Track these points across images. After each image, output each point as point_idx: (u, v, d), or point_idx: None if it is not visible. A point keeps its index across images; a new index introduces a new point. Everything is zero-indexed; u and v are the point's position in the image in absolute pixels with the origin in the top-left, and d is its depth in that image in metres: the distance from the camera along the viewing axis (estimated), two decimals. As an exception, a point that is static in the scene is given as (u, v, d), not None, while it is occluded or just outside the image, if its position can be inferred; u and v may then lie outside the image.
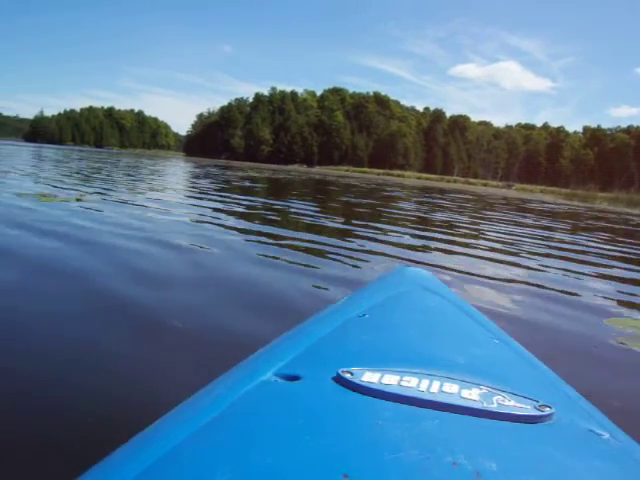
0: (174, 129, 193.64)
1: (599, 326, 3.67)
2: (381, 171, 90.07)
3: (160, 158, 69.00)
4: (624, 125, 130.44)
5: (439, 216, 12.59)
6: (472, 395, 0.76)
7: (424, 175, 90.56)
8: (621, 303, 4.61)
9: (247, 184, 20.31)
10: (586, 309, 4.16)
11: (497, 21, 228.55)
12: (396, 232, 8.05)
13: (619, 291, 5.17)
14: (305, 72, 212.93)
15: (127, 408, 1.90)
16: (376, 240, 6.89)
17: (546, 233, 10.21)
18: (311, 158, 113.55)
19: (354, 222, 8.95)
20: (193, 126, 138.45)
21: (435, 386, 0.77)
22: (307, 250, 5.64)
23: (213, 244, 5.47)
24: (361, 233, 7.37)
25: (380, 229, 8.22)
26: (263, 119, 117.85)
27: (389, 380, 0.78)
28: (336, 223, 8.86)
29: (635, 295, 5.01)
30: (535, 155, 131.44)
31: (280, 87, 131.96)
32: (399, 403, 0.73)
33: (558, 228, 12.15)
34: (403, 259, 5.58)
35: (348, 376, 0.79)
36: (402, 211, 13.15)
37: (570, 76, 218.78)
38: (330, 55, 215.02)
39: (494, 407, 0.74)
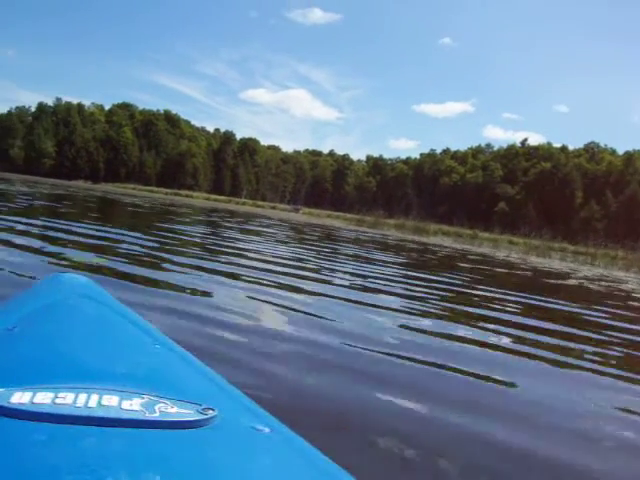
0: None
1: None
2: (169, 190, 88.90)
3: None
4: (403, 156, 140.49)
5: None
6: (133, 405, 0.73)
7: (213, 196, 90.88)
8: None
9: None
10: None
11: (289, 49, 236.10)
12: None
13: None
14: (93, 85, 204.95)
15: None
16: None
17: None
18: (97, 174, 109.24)
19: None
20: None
21: (93, 400, 0.72)
22: None
23: None
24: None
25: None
26: (46, 131, 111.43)
27: (42, 399, 0.71)
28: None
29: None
30: (321, 180, 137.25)
31: (66, 98, 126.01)
32: (53, 423, 0.67)
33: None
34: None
35: None
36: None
37: (356, 108, 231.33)
38: (121, 70, 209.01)
39: (156, 416, 0.72)
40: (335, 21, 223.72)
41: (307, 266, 8.70)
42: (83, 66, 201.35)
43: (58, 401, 0.71)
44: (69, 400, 0.72)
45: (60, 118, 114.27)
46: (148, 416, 0.71)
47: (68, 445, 0.63)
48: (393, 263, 12.01)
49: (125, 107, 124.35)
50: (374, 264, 10.86)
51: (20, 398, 0.71)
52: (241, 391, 0.98)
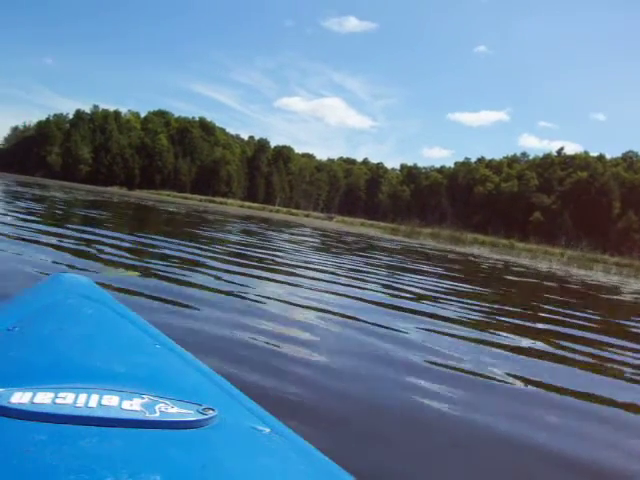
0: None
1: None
2: (204, 197, 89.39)
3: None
4: (437, 165, 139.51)
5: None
6: (134, 406, 0.73)
7: (246, 203, 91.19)
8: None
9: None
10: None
11: (324, 58, 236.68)
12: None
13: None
14: (130, 93, 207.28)
15: None
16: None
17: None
18: (132, 181, 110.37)
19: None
20: (6, 139, 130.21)
21: (94, 400, 0.72)
22: None
23: None
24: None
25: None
26: (83, 137, 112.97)
27: (42, 399, 0.71)
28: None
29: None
30: (355, 189, 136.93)
31: (103, 106, 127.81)
32: (54, 423, 0.67)
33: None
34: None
35: None
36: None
37: (390, 116, 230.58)
38: (157, 78, 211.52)
39: (157, 416, 0.72)
40: (371, 30, 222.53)
41: (367, 278, 8.42)
42: (120, 74, 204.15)
43: (58, 401, 0.71)
44: (69, 400, 0.72)
45: (97, 125, 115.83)
46: (148, 416, 0.71)
47: (68, 445, 0.63)
48: (445, 276, 11.69)
49: (161, 114, 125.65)
50: (428, 276, 10.56)
51: (20, 398, 0.70)
52: (241, 391, 0.98)
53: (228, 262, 8.10)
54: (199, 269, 6.73)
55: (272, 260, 9.35)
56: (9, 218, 9.85)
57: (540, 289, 12.28)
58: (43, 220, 10.95)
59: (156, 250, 8.22)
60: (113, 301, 1.29)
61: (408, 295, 7.18)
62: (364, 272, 9.46)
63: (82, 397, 0.73)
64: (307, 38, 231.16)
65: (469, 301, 7.46)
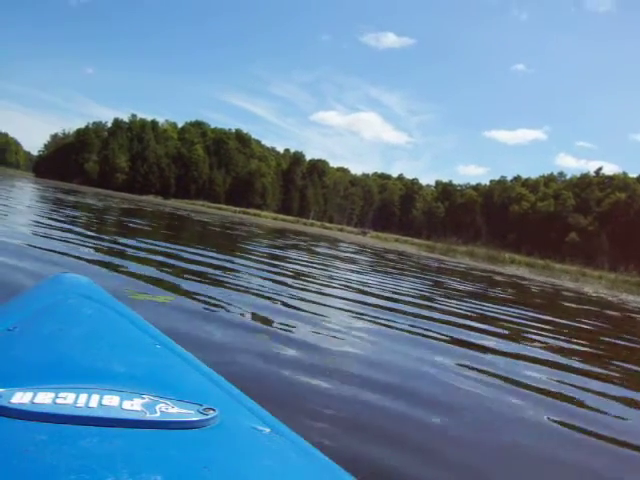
0: (26, 148, 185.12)
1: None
2: (238, 209, 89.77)
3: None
4: (472, 182, 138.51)
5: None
6: (134, 406, 0.73)
7: (280, 216, 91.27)
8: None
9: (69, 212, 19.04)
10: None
11: (361, 73, 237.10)
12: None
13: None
14: (168, 103, 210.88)
15: None
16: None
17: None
18: (167, 190, 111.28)
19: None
20: (46, 146, 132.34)
21: (94, 400, 0.72)
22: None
23: None
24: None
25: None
26: (120, 146, 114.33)
27: (43, 399, 0.71)
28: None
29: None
30: (389, 204, 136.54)
31: (141, 115, 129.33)
32: (54, 423, 0.67)
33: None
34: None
35: None
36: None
37: (425, 132, 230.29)
38: (195, 89, 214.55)
39: (157, 416, 0.72)
40: (409, 45, 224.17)
41: (434, 306, 7.94)
42: (158, 84, 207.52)
43: (59, 401, 0.71)
44: (70, 400, 0.72)
45: (134, 134, 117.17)
46: (149, 416, 0.71)
47: (69, 445, 0.63)
48: (502, 300, 11.21)
49: (197, 125, 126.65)
50: (499, 304, 10.05)
51: (21, 398, 0.70)
52: (241, 391, 0.98)
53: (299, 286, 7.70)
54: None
55: (330, 283, 8.94)
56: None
57: (606, 318, 11.71)
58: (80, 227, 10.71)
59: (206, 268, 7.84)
60: (113, 301, 1.29)
61: (504, 332, 6.66)
62: (428, 297, 9.03)
63: (83, 397, 0.73)
64: (344, 53, 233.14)
65: (581, 341, 6.91)
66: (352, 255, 20.70)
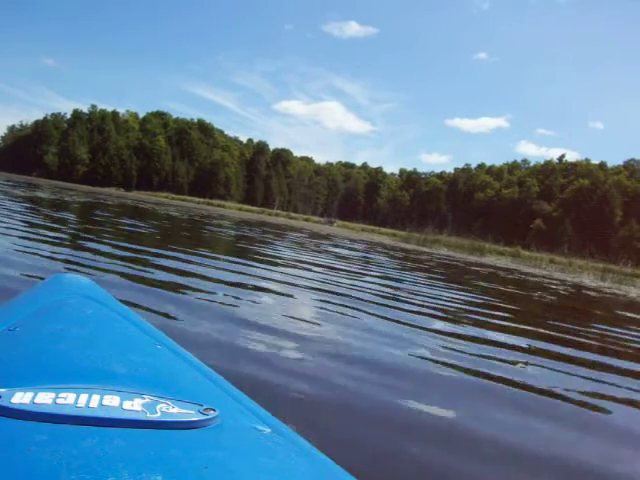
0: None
1: None
2: (201, 199, 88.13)
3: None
4: (436, 171, 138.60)
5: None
6: (135, 406, 0.73)
7: (245, 206, 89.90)
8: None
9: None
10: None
11: (324, 62, 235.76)
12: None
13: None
14: (130, 95, 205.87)
15: None
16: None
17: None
18: (129, 182, 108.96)
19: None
20: (3, 138, 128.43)
21: (95, 400, 0.72)
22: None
23: None
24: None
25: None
26: (80, 137, 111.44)
27: (43, 399, 0.71)
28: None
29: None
30: (354, 193, 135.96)
31: (102, 106, 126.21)
32: (55, 423, 0.67)
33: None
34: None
35: None
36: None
37: (389, 121, 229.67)
38: (157, 79, 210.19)
39: (158, 416, 0.72)
40: (371, 34, 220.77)
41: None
42: (119, 74, 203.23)
43: (59, 401, 0.71)
44: (70, 400, 0.72)
45: (94, 125, 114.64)
46: (149, 416, 0.72)
47: (69, 445, 0.63)
48: (578, 316, 10.40)
49: (159, 115, 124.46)
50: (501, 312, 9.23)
51: (21, 398, 0.70)
52: (242, 391, 0.98)
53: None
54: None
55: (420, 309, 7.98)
56: None
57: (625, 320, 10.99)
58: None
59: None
60: (114, 301, 1.29)
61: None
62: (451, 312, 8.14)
63: (83, 397, 0.73)
64: (307, 42, 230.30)
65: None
66: (368, 255, 19.73)
